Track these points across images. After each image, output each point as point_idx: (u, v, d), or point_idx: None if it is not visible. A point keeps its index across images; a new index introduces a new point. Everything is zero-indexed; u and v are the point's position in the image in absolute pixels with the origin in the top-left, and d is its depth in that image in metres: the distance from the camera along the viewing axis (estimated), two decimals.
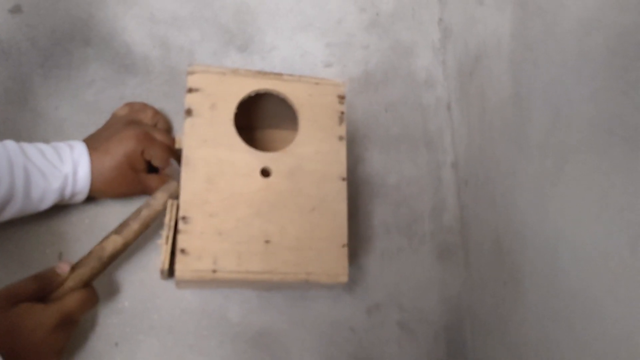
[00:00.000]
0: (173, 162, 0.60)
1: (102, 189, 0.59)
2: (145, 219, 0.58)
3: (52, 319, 0.51)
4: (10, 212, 0.55)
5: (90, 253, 0.57)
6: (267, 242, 0.54)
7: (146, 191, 0.62)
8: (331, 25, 0.82)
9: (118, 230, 0.57)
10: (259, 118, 0.66)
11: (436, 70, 0.84)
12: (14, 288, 0.52)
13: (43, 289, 0.53)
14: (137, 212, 0.58)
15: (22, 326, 0.50)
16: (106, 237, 0.57)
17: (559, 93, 0.55)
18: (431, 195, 0.78)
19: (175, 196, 0.59)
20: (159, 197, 0.58)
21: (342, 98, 0.60)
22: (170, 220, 0.54)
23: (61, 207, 0.63)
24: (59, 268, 0.55)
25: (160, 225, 0.65)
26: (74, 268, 0.55)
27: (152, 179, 0.62)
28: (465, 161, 0.76)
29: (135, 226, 0.57)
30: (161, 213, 0.58)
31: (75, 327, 0.56)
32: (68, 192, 0.58)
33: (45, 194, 0.56)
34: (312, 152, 0.58)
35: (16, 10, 0.69)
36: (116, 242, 0.57)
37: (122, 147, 0.59)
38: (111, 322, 0.62)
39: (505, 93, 0.64)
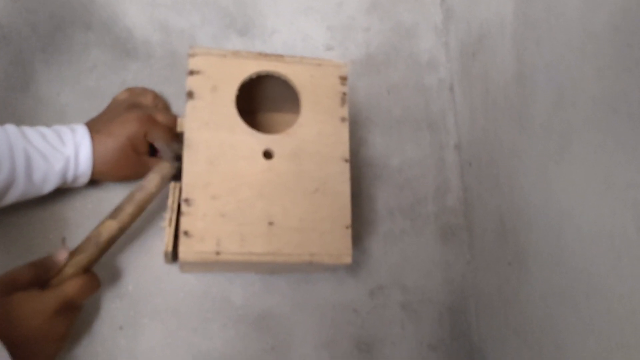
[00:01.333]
0: (162, 145, 0.60)
1: (105, 171, 0.59)
2: (140, 202, 0.57)
3: (50, 305, 0.51)
4: (13, 196, 0.55)
5: (87, 239, 0.56)
6: (270, 223, 0.54)
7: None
8: (332, 8, 0.81)
9: (113, 215, 0.57)
10: (261, 101, 0.66)
11: (438, 52, 0.83)
12: (11, 275, 0.52)
13: (41, 276, 0.53)
14: (131, 195, 0.58)
15: (20, 313, 0.50)
16: (102, 223, 0.56)
17: (563, 72, 0.54)
18: (434, 177, 0.78)
19: (168, 177, 0.58)
20: (152, 179, 0.58)
21: (344, 79, 0.60)
22: (173, 202, 0.54)
23: (64, 193, 0.63)
24: (56, 255, 0.55)
25: (161, 208, 0.65)
26: (72, 254, 0.55)
27: (154, 162, 0.62)
28: (468, 142, 0.76)
29: (129, 209, 0.57)
30: (155, 195, 0.58)
31: (78, 313, 0.56)
32: (70, 174, 0.58)
33: (47, 177, 0.56)
34: (315, 134, 0.57)
35: None
36: (111, 227, 0.56)
37: (125, 130, 0.59)
38: (115, 306, 0.62)
39: (509, 73, 0.64)
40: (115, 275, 0.63)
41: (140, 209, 0.58)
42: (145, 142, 0.60)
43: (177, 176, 0.58)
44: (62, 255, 0.54)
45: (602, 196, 0.49)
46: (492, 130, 0.69)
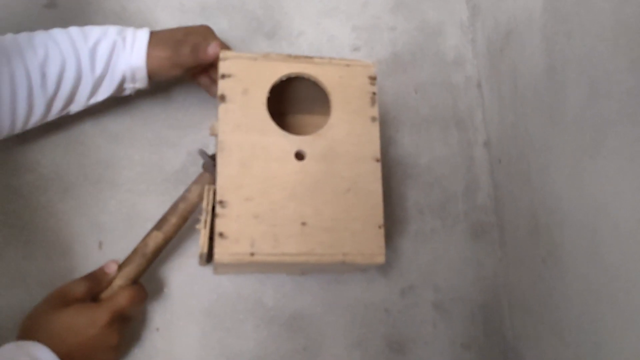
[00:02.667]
0: (203, 154, 0.61)
1: (159, 54, 0.60)
2: (183, 212, 0.59)
3: (104, 317, 0.53)
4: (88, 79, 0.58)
5: (134, 251, 0.58)
6: (303, 224, 0.54)
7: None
8: (357, 8, 0.81)
9: (158, 226, 0.59)
10: (290, 103, 0.66)
11: (465, 49, 0.83)
12: (66, 289, 0.55)
13: (93, 288, 0.56)
14: (175, 206, 0.60)
15: (76, 325, 0.52)
16: (148, 234, 0.59)
17: (596, 65, 0.54)
18: (463, 175, 0.77)
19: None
20: (194, 190, 0.59)
21: (373, 79, 0.60)
22: (207, 205, 0.55)
23: (100, 196, 0.65)
24: (107, 267, 0.57)
25: (196, 214, 0.66)
26: (120, 267, 0.57)
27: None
28: (497, 139, 0.76)
29: (173, 220, 0.59)
30: (197, 205, 0.60)
31: (129, 323, 0.58)
32: (129, 40, 0.59)
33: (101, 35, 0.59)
34: (345, 134, 0.58)
35: (51, 5, 0.70)
36: (157, 237, 0.58)
37: (184, 27, 0.63)
38: (152, 308, 0.64)
39: (539, 68, 0.63)
40: (150, 279, 0.64)
41: (184, 219, 0.60)
42: (199, 39, 0.61)
43: None
44: (112, 268, 0.57)
45: (639, 190, 0.48)
46: (522, 126, 0.68)
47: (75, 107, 0.61)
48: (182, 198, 0.60)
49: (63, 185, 0.65)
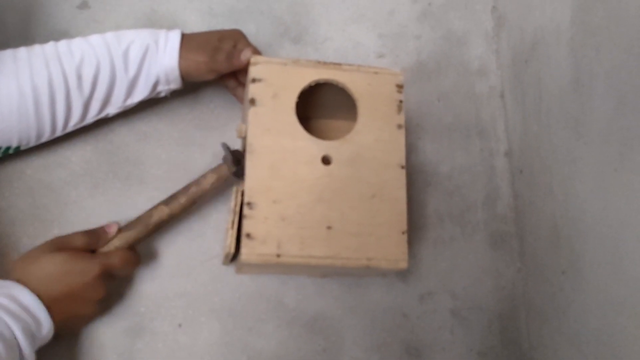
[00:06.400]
0: (226, 147, 0.62)
1: (192, 56, 0.61)
2: (193, 196, 0.60)
3: (95, 268, 0.55)
4: (124, 78, 0.60)
5: (137, 218, 0.60)
6: (328, 227, 0.55)
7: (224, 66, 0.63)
8: (383, 16, 0.82)
9: (166, 202, 0.60)
10: (313, 108, 0.67)
11: (489, 59, 0.83)
12: (65, 239, 0.57)
13: (91, 244, 0.58)
14: (187, 187, 0.61)
15: (67, 270, 0.54)
16: (155, 207, 0.60)
17: (624, 79, 0.54)
18: (484, 184, 0.78)
19: (224, 179, 0.61)
20: (209, 177, 0.61)
21: (400, 87, 0.61)
22: (235, 206, 0.56)
23: (128, 195, 0.66)
24: (108, 227, 0.59)
25: (217, 210, 0.68)
26: (121, 230, 0.59)
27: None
28: (519, 149, 0.76)
29: (182, 200, 0.60)
30: (208, 193, 0.61)
31: (112, 283, 0.59)
32: (161, 43, 0.60)
33: (135, 39, 0.60)
34: (372, 141, 0.59)
35: (83, 6, 0.72)
36: (163, 212, 0.60)
37: (217, 31, 0.64)
38: (175, 304, 0.65)
39: (565, 80, 0.64)
40: (174, 275, 0.65)
41: (192, 202, 0.61)
42: (233, 44, 0.62)
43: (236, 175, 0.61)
44: (112, 228, 0.59)
45: None
46: (545, 137, 0.69)
47: (113, 109, 0.62)
48: (196, 182, 0.61)
49: (93, 181, 0.66)
